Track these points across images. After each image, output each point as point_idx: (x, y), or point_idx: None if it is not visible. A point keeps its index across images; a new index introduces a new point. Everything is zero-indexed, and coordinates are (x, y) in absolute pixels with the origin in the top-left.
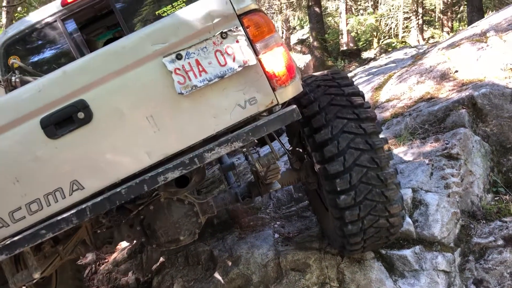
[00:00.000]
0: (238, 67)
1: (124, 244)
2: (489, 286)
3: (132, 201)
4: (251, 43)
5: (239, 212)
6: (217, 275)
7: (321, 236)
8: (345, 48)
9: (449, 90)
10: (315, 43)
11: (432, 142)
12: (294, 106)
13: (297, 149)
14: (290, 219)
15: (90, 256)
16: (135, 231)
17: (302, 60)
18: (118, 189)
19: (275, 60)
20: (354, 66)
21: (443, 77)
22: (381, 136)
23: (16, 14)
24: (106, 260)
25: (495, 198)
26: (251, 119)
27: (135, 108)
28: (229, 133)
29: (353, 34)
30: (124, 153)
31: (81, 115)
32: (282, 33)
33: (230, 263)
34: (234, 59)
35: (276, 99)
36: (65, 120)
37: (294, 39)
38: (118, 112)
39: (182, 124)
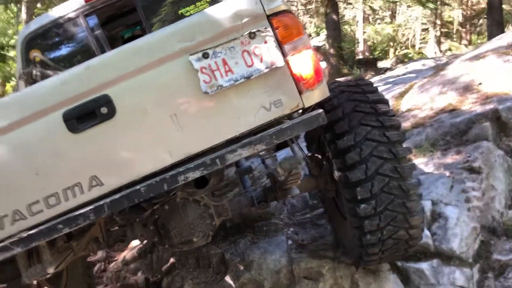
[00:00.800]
0: (265, 68)
1: (134, 243)
2: None
3: (147, 200)
4: (280, 45)
5: (252, 216)
6: (228, 279)
7: (335, 245)
8: (361, 56)
9: (473, 103)
10: (331, 51)
11: (453, 154)
12: (321, 110)
13: (316, 155)
14: (304, 226)
15: (99, 254)
16: (148, 231)
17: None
18: (137, 187)
19: (303, 63)
20: (370, 75)
21: (467, 88)
22: (404, 145)
23: (36, 10)
24: (116, 259)
25: None
26: (274, 122)
27: (158, 106)
28: (252, 135)
29: (369, 43)
30: (145, 151)
31: (104, 110)
32: None
33: (241, 268)
34: (261, 60)
35: (302, 102)
36: (88, 114)
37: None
38: (141, 109)
39: (205, 124)
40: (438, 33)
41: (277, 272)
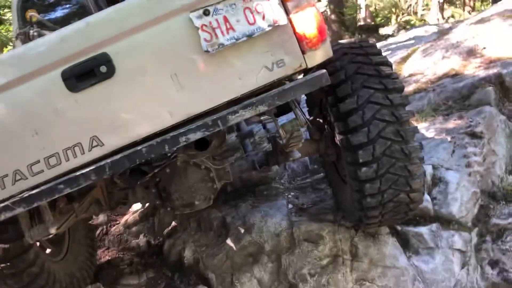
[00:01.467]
0: (268, 26)
1: (136, 207)
2: (505, 267)
3: (148, 163)
4: (282, 2)
5: (253, 181)
6: (229, 242)
7: (335, 209)
8: (362, 23)
9: (476, 67)
10: (333, 17)
11: (455, 119)
12: (324, 70)
13: (317, 119)
14: (305, 191)
15: (101, 217)
16: (150, 193)
17: None
18: (138, 148)
19: (306, 21)
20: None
21: (470, 53)
22: (407, 108)
23: None
24: (118, 222)
25: None
26: (277, 83)
27: (158, 65)
28: (254, 96)
29: (371, 9)
30: (146, 111)
31: (103, 68)
32: None
33: (242, 231)
34: (263, 18)
35: (305, 62)
36: (87, 73)
37: None
38: (141, 68)
39: (206, 84)
40: (441, 0)
41: (277, 235)
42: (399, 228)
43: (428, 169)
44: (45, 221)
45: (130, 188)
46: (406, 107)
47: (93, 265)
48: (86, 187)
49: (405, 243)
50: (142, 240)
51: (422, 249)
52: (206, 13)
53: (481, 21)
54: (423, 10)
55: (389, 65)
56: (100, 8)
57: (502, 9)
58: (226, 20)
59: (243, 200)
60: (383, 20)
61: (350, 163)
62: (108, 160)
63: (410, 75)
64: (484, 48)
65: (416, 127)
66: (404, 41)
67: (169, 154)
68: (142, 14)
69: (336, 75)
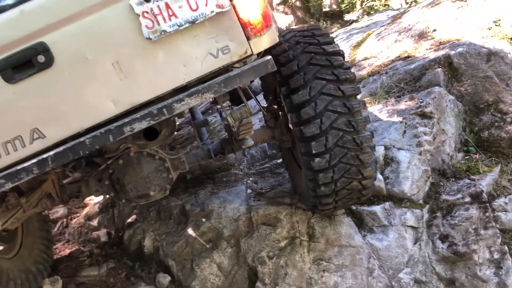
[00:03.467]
0: (211, 12)
1: (97, 199)
2: (454, 241)
3: (100, 155)
4: None
5: (212, 168)
6: (188, 229)
7: (293, 192)
8: (328, 9)
9: (427, 49)
10: (297, 3)
11: (406, 101)
12: (269, 57)
13: (273, 106)
14: (263, 175)
15: (61, 211)
16: (103, 186)
17: (284, 21)
18: (82, 139)
19: (250, 7)
20: (336, 28)
21: (421, 36)
22: (358, 97)
23: None
24: (78, 215)
25: (466, 157)
26: (223, 70)
27: (99, 53)
28: (200, 84)
29: None
30: (88, 101)
31: (41, 58)
32: None
33: (201, 217)
34: (206, 4)
35: (251, 48)
36: (24, 63)
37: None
38: (81, 56)
39: (150, 72)
40: None
41: (236, 220)
42: (354, 208)
43: (380, 150)
44: None
45: (83, 181)
46: (357, 97)
47: (50, 258)
48: (35, 181)
49: (360, 222)
50: (102, 231)
51: (376, 227)
52: None
53: (432, 3)
54: None
55: (342, 54)
56: None
57: None
58: (168, 6)
59: (203, 188)
60: (348, 6)
61: (303, 153)
62: (51, 153)
63: (365, 59)
64: (435, 30)
65: (368, 116)
66: (366, 26)
67: (121, 146)
68: (80, 1)
69: (289, 66)
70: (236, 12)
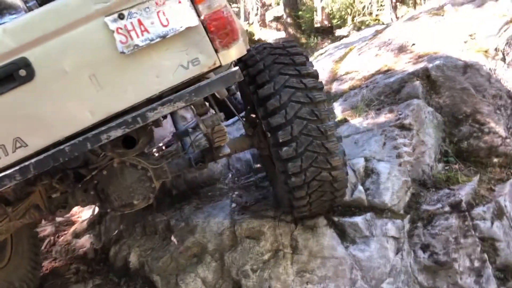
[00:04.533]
0: (180, 27)
1: (84, 216)
2: (435, 250)
3: (85, 166)
4: (193, 4)
5: (197, 183)
6: (173, 244)
7: (276, 205)
8: (319, 25)
9: (406, 63)
10: (289, 20)
11: (386, 113)
12: (237, 68)
13: (251, 115)
14: (248, 189)
15: (49, 228)
16: (89, 196)
17: (276, 37)
18: (61, 147)
19: (217, 22)
20: (326, 43)
21: (401, 49)
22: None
23: None
24: (65, 232)
25: (445, 167)
26: (196, 80)
27: (77, 67)
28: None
29: (327, 11)
30: (67, 112)
31: (22, 72)
32: (257, 9)
33: (186, 232)
34: (176, 20)
35: (219, 60)
36: (6, 77)
37: (270, 16)
38: (60, 70)
39: (125, 84)
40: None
41: (220, 234)
42: (336, 219)
43: (361, 161)
44: None
45: (70, 192)
46: (321, 90)
47: (35, 279)
48: (22, 193)
49: (342, 234)
50: (89, 248)
51: (358, 238)
52: (121, 17)
53: (411, 18)
54: (378, 10)
55: (304, 55)
56: None
57: (429, 7)
58: (140, 23)
59: (188, 203)
60: (339, 22)
61: (273, 144)
62: (32, 160)
63: (346, 73)
64: (413, 44)
65: (332, 107)
66: (355, 41)
67: (102, 155)
68: (58, 19)
69: (256, 66)
70: (204, 27)
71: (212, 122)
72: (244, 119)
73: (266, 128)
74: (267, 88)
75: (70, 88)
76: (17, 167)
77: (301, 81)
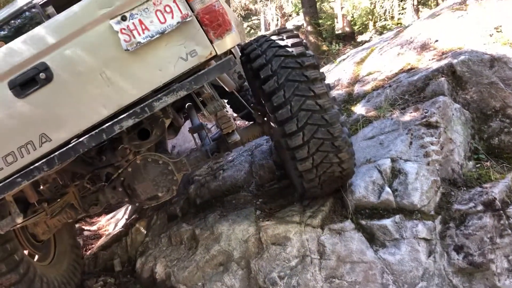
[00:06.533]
0: (177, 23)
1: (111, 229)
2: (470, 251)
3: (112, 165)
4: (187, 1)
5: (221, 191)
6: (199, 253)
7: (302, 210)
8: (340, 32)
9: (430, 60)
10: (309, 28)
11: (411, 112)
12: (230, 55)
13: (260, 105)
14: (272, 196)
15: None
16: (118, 192)
17: None
18: (81, 139)
19: (210, 15)
20: (349, 49)
21: (424, 47)
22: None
23: None
24: (93, 246)
25: (476, 165)
26: (197, 70)
27: (89, 66)
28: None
29: (348, 18)
30: (83, 107)
31: (42, 75)
32: (277, 20)
33: (211, 241)
34: (172, 17)
35: (215, 50)
36: (29, 81)
37: (289, 25)
38: (74, 70)
39: (131, 78)
40: (416, 2)
41: (245, 241)
42: (363, 222)
43: (387, 162)
44: (12, 213)
45: (100, 191)
46: (323, 81)
47: (74, 281)
48: (57, 193)
49: (371, 237)
50: (116, 260)
51: (388, 241)
52: (123, 18)
53: (433, 15)
54: (400, 13)
55: (304, 44)
56: None
57: (451, 2)
58: (141, 22)
59: (212, 211)
60: (361, 28)
61: (282, 135)
62: (56, 153)
63: (368, 74)
64: (437, 41)
65: (334, 97)
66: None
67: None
68: (70, 26)
69: (258, 60)
70: (198, 20)
71: (215, 108)
72: (253, 108)
73: (274, 121)
74: (271, 83)
75: (84, 86)
76: (44, 160)
77: (303, 73)
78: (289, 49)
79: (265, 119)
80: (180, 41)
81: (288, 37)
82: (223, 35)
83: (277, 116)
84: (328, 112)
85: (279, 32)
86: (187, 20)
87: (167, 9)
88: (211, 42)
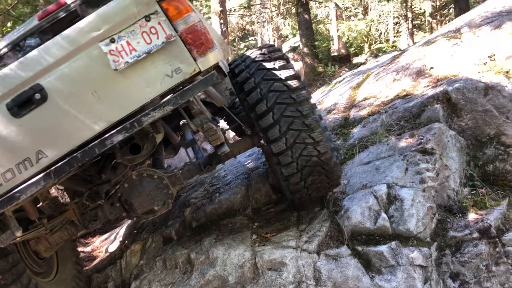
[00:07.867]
0: (162, 43)
1: (105, 251)
2: (465, 279)
3: (108, 181)
4: (171, 22)
5: (216, 215)
6: (194, 278)
7: (298, 235)
8: (336, 54)
9: (425, 86)
10: (305, 50)
11: (407, 138)
12: (213, 71)
13: (249, 117)
14: (269, 220)
15: None
16: (115, 208)
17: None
18: (75, 154)
19: (193, 35)
20: (344, 71)
21: (419, 74)
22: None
23: (4, 29)
24: (87, 268)
25: (472, 192)
26: (183, 86)
27: (81, 86)
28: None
29: (344, 40)
30: (76, 124)
31: (38, 96)
32: (274, 41)
33: (206, 265)
34: (158, 37)
35: (199, 67)
36: (26, 101)
37: (286, 47)
38: (67, 90)
39: (121, 95)
40: (410, 26)
41: (241, 266)
42: (359, 248)
43: (383, 188)
44: (11, 227)
45: (99, 207)
46: (303, 90)
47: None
48: (57, 210)
49: (367, 263)
50: (110, 283)
51: (384, 267)
52: (112, 41)
53: (428, 42)
54: (395, 36)
55: (285, 58)
56: None
57: (446, 30)
58: (128, 43)
59: (208, 235)
60: (356, 50)
61: (266, 142)
62: (52, 168)
63: (364, 99)
64: (432, 68)
65: (314, 104)
66: (372, 68)
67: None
68: (62, 49)
69: (243, 74)
70: (182, 40)
71: (201, 121)
72: (242, 121)
73: (259, 129)
74: (255, 94)
75: (77, 104)
76: (40, 175)
77: (284, 84)
78: (269, 64)
79: (254, 130)
80: (166, 59)
81: (269, 52)
82: (206, 52)
83: (261, 124)
84: (308, 117)
85: (261, 48)
86: (172, 40)
87: (153, 30)
88: (195, 59)
